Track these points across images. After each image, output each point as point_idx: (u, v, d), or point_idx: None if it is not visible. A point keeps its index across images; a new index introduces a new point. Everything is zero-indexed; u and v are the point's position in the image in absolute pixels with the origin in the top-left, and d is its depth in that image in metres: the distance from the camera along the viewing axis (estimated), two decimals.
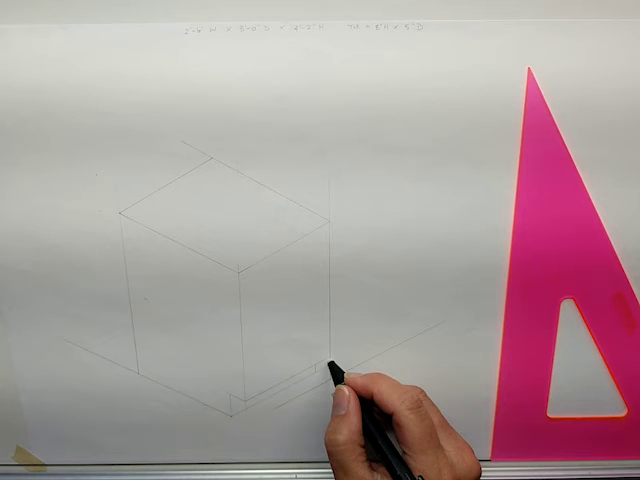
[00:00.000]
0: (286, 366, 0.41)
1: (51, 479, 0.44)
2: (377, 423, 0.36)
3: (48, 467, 0.44)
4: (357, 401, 0.36)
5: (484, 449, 0.43)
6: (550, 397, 0.41)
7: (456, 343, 0.40)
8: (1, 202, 0.37)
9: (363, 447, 0.35)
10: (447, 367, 0.41)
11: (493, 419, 0.42)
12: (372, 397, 0.36)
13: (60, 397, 0.41)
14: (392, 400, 0.35)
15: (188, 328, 0.40)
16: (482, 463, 0.43)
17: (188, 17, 0.34)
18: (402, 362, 0.40)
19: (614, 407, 0.42)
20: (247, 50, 0.34)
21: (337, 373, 0.39)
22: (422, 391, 0.37)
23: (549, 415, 0.42)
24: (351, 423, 0.35)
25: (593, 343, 0.40)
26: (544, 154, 0.36)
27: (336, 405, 0.37)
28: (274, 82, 0.35)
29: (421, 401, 0.35)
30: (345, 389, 0.37)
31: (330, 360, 0.40)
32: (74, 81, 0.34)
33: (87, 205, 0.37)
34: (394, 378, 0.38)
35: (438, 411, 0.37)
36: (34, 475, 0.44)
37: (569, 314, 0.39)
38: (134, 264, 0.38)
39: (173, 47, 0.34)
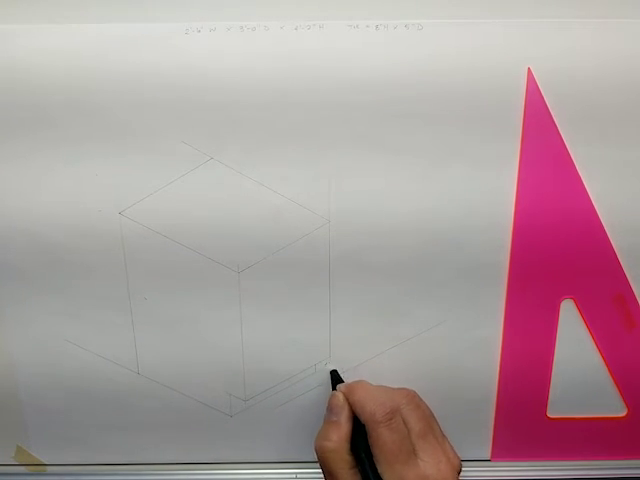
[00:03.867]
0: (286, 366, 0.41)
1: (51, 479, 0.44)
2: (365, 434, 0.35)
3: (48, 467, 0.44)
4: (350, 409, 0.36)
5: (484, 449, 0.43)
6: (550, 397, 0.41)
7: (456, 343, 0.40)
8: (1, 201, 0.37)
9: (352, 455, 0.35)
10: (447, 367, 0.41)
11: (493, 419, 0.42)
12: None
13: (60, 397, 0.41)
14: (364, 412, 0.35)
15: (188, 328, 0.40)
16: (482, 463, 0.43)
17: (188, 17, 0.34)
18: (402, 362, 0.40)
19: (614, 407, 0.42)
20: (247, 50, 0.34)
21: (337, 382, 0.39)
22: (408, 394, 0.36)
23: (549, 415, 0.42)
24: (341, 431, 0.35)
25: (593, 343, 0.40)
26: (544, 153, 0.36)
27: (329, 410, 0.37)
28: (274, 82, 0.35)
29: (395, 412, 0.34)
30: (340, 396, 0.37)
31: (333, 369, 0.40)
32: (74, 81, 0.34)
33: (87, 205, 0.37)
34: (393, 377, 0.38)
35: (424, 417, 0.35)
36: (34, 475, 0.44)
37: (569, 314, 0.39)
38: (134, 264, 0.38)
39: (173, 47, 0.34)
